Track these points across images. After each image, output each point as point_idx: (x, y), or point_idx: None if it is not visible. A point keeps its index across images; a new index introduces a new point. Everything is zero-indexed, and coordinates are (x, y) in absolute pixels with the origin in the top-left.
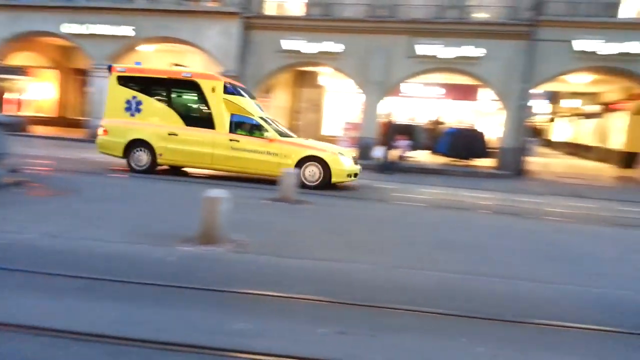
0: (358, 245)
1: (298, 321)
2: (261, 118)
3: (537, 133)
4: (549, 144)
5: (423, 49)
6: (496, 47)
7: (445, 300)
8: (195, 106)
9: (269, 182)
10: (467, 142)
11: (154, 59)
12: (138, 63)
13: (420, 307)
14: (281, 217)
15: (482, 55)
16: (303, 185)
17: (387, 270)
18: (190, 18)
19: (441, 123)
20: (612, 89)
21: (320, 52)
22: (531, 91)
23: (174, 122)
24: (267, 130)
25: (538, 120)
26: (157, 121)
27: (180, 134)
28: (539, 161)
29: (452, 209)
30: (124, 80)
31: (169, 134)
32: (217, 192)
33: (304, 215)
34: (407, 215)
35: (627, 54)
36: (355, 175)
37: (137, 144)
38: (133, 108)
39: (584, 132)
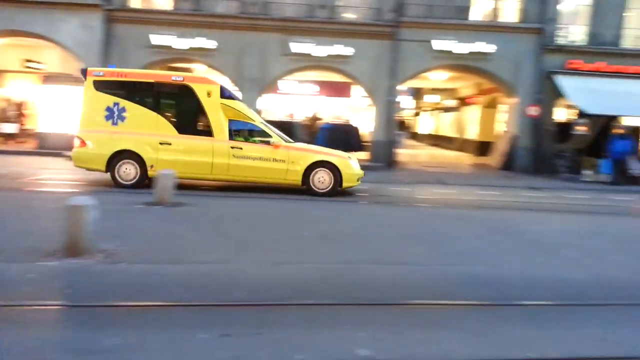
0: (240, 245)
1: (178, 329)
2: (262, 123)
3: (404, 127)
4: (415, 136)
5: (297, 47)
6: (364, 46)
7: (328, 290)
8: (188, 112)
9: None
10: (343, 137)
11: (2, 55)
12: (112, 66)
13: (304, 300)
14: (157, 221)
15: (352, 53)
16: (313, 193)
17: (271, 267)
18: (45, 9)
19: (318, 119)
20: (466, 85)
21: (192, 48)
22: (397, 88)
23: (166, 130)
24: (271, 136)
25: (405, 115)
26: (145, 130)
27: (174, 143)
28: (407, 153)
29: (333, 202)
30: (103, 86)
31: (161, 144)
32: (82, 200)
33: (182, 218)
34: (290, 212)
35: (477, 53)
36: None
37: (123, 155)
38: (116, 116)
39: (444, 125)
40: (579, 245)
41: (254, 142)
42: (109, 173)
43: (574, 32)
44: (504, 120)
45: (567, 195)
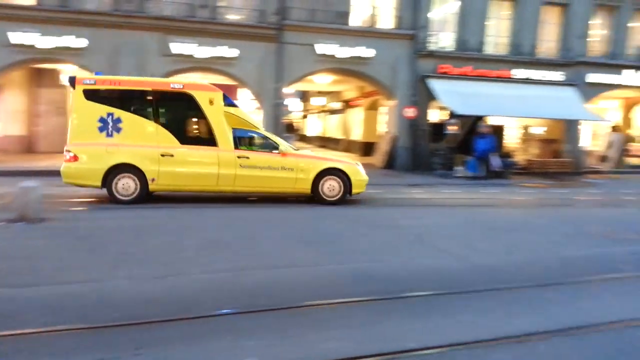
0: (115, 260)
1: (47, 358)
2: (265, 131)
3: (293, 129)
4: (304, 138)
5: (178, 47)
6: (249, 49)
7: (213, 300)
8: (190, 121)
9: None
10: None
11: None
12: (99, 73)
13: (186, 314)
14: (18, 240)
15: (236, 55)
16: (322, 201)
17: (151, 282)
18: None
19: None
20: (350, 88)
21: (59, 47)
22: (284, 90)
23: (166, 141)
24: (277, 144)
25: (293, 117)
26: (144, 141)
27: (176, 155)
28: None
29: (217, 207)
30: (94, 95)
31: (162, 155)
32: None
33: (48, 234)
34: (173, 220)
35: (358, 57)
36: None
37: (121, 169)
38: (110, 127)
39: (331, 127)
40: (454, 236)
41: (261, 150)
42: (104, 189)
43: (444, 38)
44: (385, 122)
45: (442, 190)
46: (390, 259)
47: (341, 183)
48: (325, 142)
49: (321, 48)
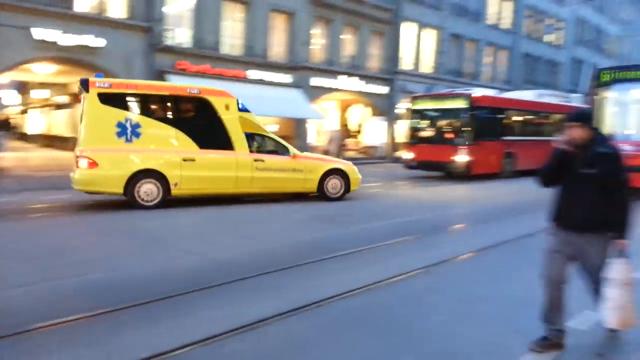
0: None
1: None
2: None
3: (9, 126)
4: (24, 137)
5: None
6: None
7: None
8: (208, 126)
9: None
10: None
11: None
12: (99, 75)
13: None
14: None
15: None
16: (327, 198)
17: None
18: None
19: None
20: (78, 80)
21: None
22: None
23: (186, 146)
24: (287, 147)
25: (9, 112)
26: (164, 146)
27: (197, 159)
28: (13, 156)
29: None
30: (110, 99)
31: (184, 160)
32: None
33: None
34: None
35: (85, 46)
36: None
37: (144, 175)
38: (129, 132)
39: (58, 123)
40: (195, 234)
41: (274, 153)
42: (123, 195)
43: (181, 34)
44: None
45: None
46: (124, 265)
47: (342, 181)
48: (50, 141)
49: (40, 33)
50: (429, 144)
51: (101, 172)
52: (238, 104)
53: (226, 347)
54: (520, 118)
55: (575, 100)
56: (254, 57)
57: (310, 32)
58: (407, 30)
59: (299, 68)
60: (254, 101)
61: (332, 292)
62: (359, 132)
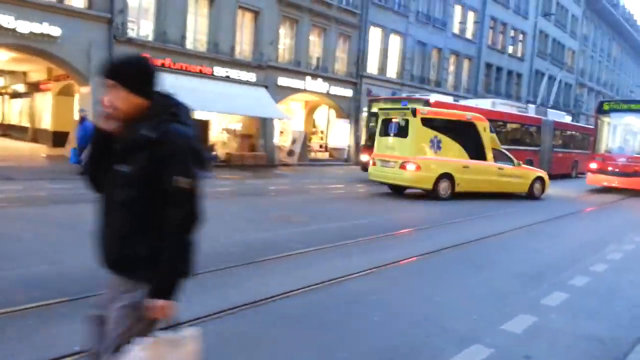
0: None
1: None
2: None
3: None
4: None
5: None
6: None
7: None
8: (474, 143)
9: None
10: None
11: None
12: (405, 103)
13: None
14: None
15: None
16: (534, 198)
17: None
18: None
19: None
20: (37, 69)
21: None
22: None
23: (463, 156)
24: (512, 159)
25: None
26: (453, 156)
27: (470, 166)
28: None
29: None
30: (426, 122)
31: (464, 167)
32: None
33: None
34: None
35: (42, 34)
36: None
37: (443, 176)
38: (435, 146)
39: (14, 113)
40: None
41: (506, 164)
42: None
43: (144, 27)
44: (78, 110)
45: None
46: (68, 259)
47: (542, 185)
48: (7, 131)
49: None
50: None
51: (423, 174)
52: (490, 128)
53: None
54: None
55: (531, 111)
56: (220, 54)
57: (277, 31)
58: (374, 35)
59: (265, 67)
60: (219, 98)
61: (274, 291)
62: (324, 134)
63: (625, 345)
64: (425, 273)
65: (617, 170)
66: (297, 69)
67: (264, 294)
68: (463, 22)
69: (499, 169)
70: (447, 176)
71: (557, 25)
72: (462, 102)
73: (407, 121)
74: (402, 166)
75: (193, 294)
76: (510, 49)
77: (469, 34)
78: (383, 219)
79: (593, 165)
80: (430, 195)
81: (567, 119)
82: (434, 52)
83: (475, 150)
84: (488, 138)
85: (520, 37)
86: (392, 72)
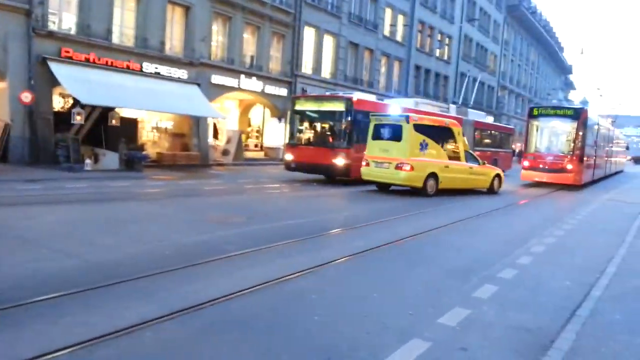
0: None
1: None
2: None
3: None
4: None
5: None
6: None
7: None
8: (450, 145)
9: None
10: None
11: None
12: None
13: None
14: None
15: None
16: (492, 193)
17: None
18: None
19: None
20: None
21: None
22: None
23: (443, 157)
24: (477, 159)
25: None
26: (435, 157)
27: (450, 166)
28: None
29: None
30: (416, 128)
31: (445, 167)
32: None
33: None
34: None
35: None
36: None
37: (429, 175)
38: (423, 148)
39: None
40: (72, 234)
41: (473, 164)
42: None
43: (67, 19)
44: None
45: (66, 185)
46: None
47: (499, 182)
48: None
49: None
50: (308, 146)
51: (415, 173)
52: (462, 132)
53: (95, 354)
54: None
55: (453, 111)
56: (149, 49)
57: (210, 28)
58: (308, 35)
59: (197, 64)
60: (148, 95)
61: (214, 294)
62: (259, 133)
63: (551, 334)
64: (362, 271)
65: (546, 167)
66: (230, 67)
67: (203, 297)
68: (393, 25)
69: (470, 167)
70: (434, 175)
71: (480, 30)
72: (386, 101)
73: (400, 127)
74: (398, 167)
75: (129, 300)
76: (437, 52)
77: (399, 37)
78: (320, 218)
79: (526, 163)
80: (419, 192)
81: (489, 119)
82: (366, 53)
83: (452, 152)
84: (462, 141)
85: (447, 40)
86: (326, 72)
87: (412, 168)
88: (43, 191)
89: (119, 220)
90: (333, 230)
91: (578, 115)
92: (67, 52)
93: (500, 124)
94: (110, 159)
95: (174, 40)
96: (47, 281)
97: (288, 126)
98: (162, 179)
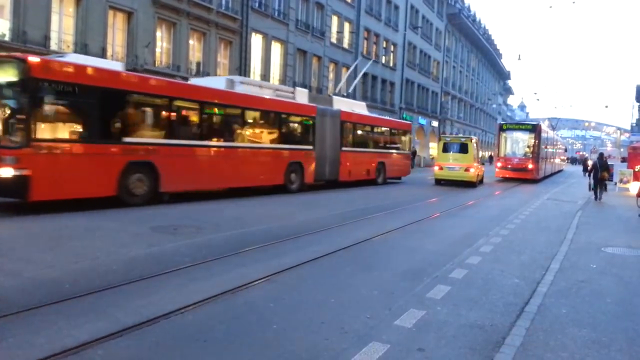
0: None
1: None
2: None
3: None
4: None
5: None
6: None
7: None
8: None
9: None
10: None
11: None
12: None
13: None
14: None
15: None
16: (475, 186)
17: None
18: None
19: None
20: None
21: None
22: None
23: (473, 162)
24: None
25: None
26: (473, 163)
27: (477, 167)
28: None
29: None
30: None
31: (478, 168)
32: None
33: None
34: None
35: None
36: None
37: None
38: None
39: None
40: (8, 250)
41: (477, 164)
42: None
43: (0, 25)
44: None
45: None
46: None
47: (482, 177)
48: None
49: None
50: None
51: (474, 173)
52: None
53: None
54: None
55: (303, 96)
56: (90, 55)
57: (154, 34)
58: (256, 42)
59: (141, 70)
60: None
61: (167, 308)
62: None
63: (503, 330)
64: (319, 277)
65: (512, 167)
66: (176, 74)
67: (155, 312)
68: (340, 32)
69: (477, 168)
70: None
71: (423, 37)
72: (192, 80)
73: (466, 144)
74: (467, 169)
75: (77, 317)
76: (383, 59)
77: (346, 44)
78: (272, 226)
79: (499, 164)
80: (471, 186)
81: (385, 117)
82: (314, 60)
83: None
84: (476, 149)
85: (392, 48)
86: (275, 79)
87: (474, 170)
88: None
89: (62, 235)
90: (287, 238)
91: (535, 128)
92: None
93: (390, 119)
94: None
95: (116, 47)
96: None
97: None
98: None
